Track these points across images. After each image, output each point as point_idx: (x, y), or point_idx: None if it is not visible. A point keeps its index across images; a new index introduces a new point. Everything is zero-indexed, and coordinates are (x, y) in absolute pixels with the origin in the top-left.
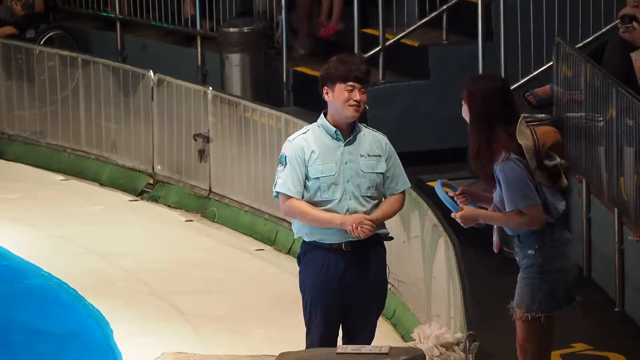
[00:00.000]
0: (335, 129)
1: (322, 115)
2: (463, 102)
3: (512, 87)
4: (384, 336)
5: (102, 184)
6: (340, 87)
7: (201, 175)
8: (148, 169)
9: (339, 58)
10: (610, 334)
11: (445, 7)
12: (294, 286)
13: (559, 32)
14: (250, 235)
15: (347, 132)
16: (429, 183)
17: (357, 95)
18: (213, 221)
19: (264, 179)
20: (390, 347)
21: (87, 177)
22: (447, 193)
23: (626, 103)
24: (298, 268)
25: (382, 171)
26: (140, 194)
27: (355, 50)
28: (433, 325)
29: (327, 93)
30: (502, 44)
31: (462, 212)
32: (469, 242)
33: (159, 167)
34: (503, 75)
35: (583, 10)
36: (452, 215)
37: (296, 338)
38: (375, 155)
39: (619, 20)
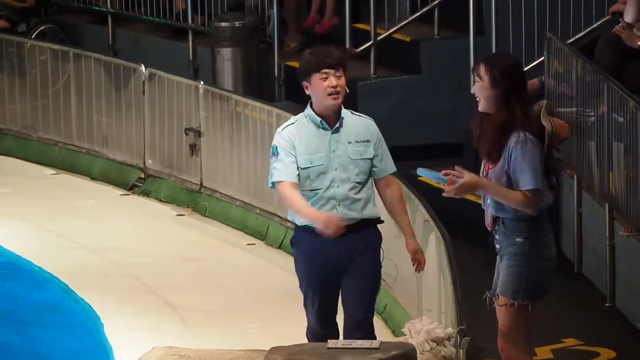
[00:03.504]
0: (320, 118)
1: (308, 105)
2: (478, 79)
3: None
4: (375, 331)
5: (93, 178)
6: (315, 78)
7: (192, 170)
8: (139, 163)
9: (310, 50)
10: (601, 329)
11: (436, 1)
12: (285, 280)
13: (550, 28)
14: (241, 230)
15: (333, 121)
16: (420, 178)
17: (332, 82)
18: (204, 216)
19: (255, 173)
20: (381, 342)
21: (78, 171)
22: (432, 170)
23: (617, 98)
24: (289, 263)
25: (371, 157)
26: (131, 188)
27: (347, 45)
28: (424, 320)
29: (306, 87)
30: (493, 39)
31: (465, 179)
32: (460, 237)
33: (150, 161)
34: None
35: (574, 6)
36: (446, 190)
37: (288, 332)
38: (364, 141)
39: (610, 16)
